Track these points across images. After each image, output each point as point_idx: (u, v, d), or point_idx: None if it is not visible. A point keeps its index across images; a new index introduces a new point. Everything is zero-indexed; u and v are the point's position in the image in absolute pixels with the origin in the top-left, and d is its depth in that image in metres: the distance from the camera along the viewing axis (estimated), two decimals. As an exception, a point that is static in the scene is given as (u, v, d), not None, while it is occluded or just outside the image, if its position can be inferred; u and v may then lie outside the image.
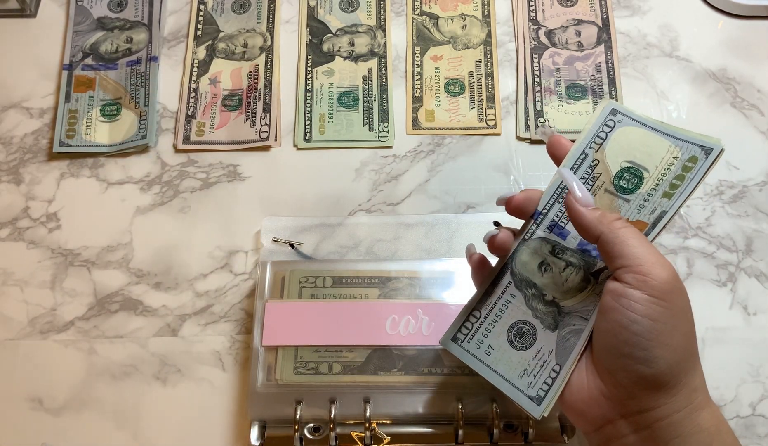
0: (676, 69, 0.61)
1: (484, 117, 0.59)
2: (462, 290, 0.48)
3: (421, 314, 0.47)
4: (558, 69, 0.60)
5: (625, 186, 0.38)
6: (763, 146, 0.58)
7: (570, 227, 0.38)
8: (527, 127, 0.58)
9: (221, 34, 0.62)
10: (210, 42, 0.62)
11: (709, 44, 0.62)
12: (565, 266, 0.38)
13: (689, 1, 0.64)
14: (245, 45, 0.62)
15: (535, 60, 0.61)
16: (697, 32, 0.63)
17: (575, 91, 0.60)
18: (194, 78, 0.61)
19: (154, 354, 0.51)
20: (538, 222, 0.39)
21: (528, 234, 0.39)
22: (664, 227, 0.37)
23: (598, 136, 0.39)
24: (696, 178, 0.36)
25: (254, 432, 0.46)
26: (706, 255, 0.54)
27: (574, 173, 0.39)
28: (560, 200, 0.39)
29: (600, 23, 0.63)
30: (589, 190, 0.38)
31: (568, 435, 0.45)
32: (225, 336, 0.51)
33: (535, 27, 0.62)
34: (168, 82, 0.61)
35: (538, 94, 0.59)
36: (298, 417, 0.45)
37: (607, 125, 0.39)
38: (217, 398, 0.50)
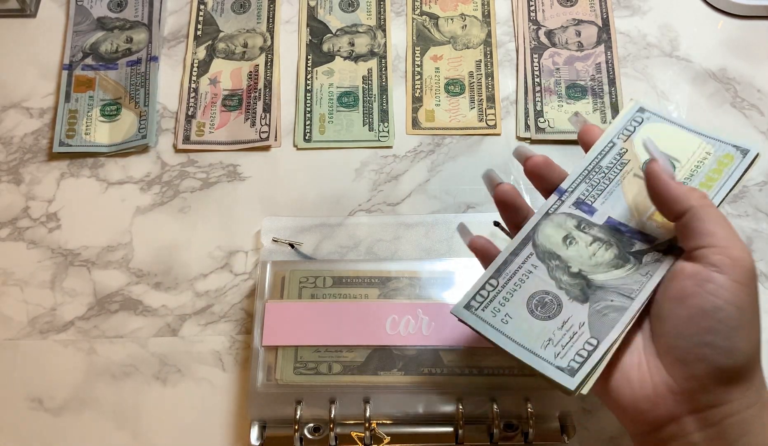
0: (676, 69, 0.61)
1: (484, 117, 0.59)
2: (463, 290, 0.48)
3: (421, 314, 0.47)
4: (558, 69, 0.60)
5: None
6: (763, 146, 0.58)
7: (598, 204, 0.38)
8: (527, 127, 0.58)
9: (221, 34, 0.62)
10: (210, 42, 0.62)
11: (709, 44, 0.62)
12: (592, 241, 0.37)
13: (689, 1, 0.64)
14: (245, 45, 0.62)
15: (535, 60, 0.61)
16: (697, 32, 0.63)
17: (575, 91, 0.60)
18: (194, 78, 0.61)
19: (154, 354, 0.51)
20: (563, 199, 0.39)
21: (552, 209, 0.39)
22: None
23: (626, 129, 0.39)
24: (735, 175, 0.36)
25: (254, 432, 0.46)
26: (706, 255, 0.54)
27: (601, 159, 0.39)
28: (588, 179, 0.39)
29: (600, 23, 0.63)
30: (617, 174, 0.38)
31: (568, 434, 0.45)
32: (225, 335, 0.51)
33: (535, 27, 0.62)
34: (168, 82, 0.61)
35: (538, 94, 0.59)
36: (298, 417, 0.45)
37: (635, 121, 0.39)
38: (217, 398, 0.50)
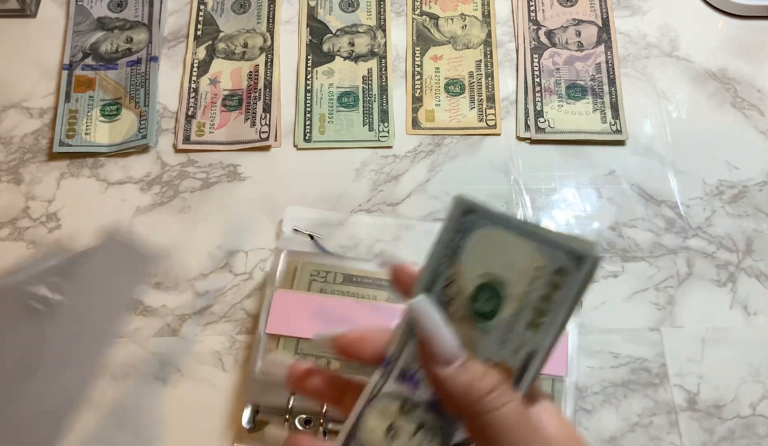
0: (676, 69, 0.61)
1: (484, 117, 0.59)
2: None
3: None
4: (558, 69, 0.60)
5: (484, 310, 0.28)
6: (763, 146, 0.58)
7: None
8: (527, 127, 0.58)
9: (221, 35, 0.62)
10: (210, 42, 0.62)
11: (709, 44, 0.62)
12: (416, 430, 0.29)
13: (689, 1, 0.64)
14: (245, 45, 0.62)
15: (535, 60, 0.61)
16: (697, 32, 0.63)
17: (575, 91, 0.60)
18: (194, 78, 0.61)
19: (154, 354, 0.51)
20: (390, 370, 0.29)
21: (375, 390, 0.30)
22: (536, 373, 0.27)
23: (449, 245, 0.29)
24: (567, 300, 0.26)
25: (246, 415, 0.46)
26: (706, 255, 0.54)
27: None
28: (413, 338, 0.29)
29: (600, 23, 0.63)
30: (444, 320, 0.28)
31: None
32: (225, 335, 0.51)
33: (535, 27, 0.62)
34: (168, 82, 0.61)
35: (538, 94, 0.59)
36: (290, 407, 0.45)
37: (461, 231, 0.29)
38: (217, 398, 0.50)
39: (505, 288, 0.28)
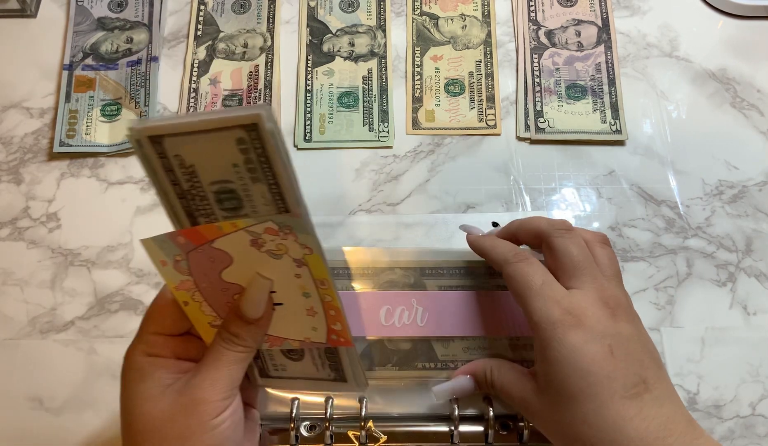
0: (676, 69, 0.61)
1: (484, 117, 0.59)
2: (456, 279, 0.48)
3: (416, 304, 0.47)
4: (558, 69, 0.60)
5: (232, 207, 0.31)
6: (763, 146, 0.58)
7: None
8: (527, 127, 0.58)
9: (221, 35, 0.63)
10: (210, 42, 0.62)
11: (709, 44, 0.62)
12: None
13: (689, 1, 0.64)
14: (245, 45, 0.62)
15: (535, 60, 0.61)
16: (697, 32, 0.63)
17: (575, 91, 0.60)
18: (194, 78, 0.61)
19: (154, 353, 0.51)
20: None
21: None
22: (303, 210, 0.31)
23: (166, 181, 0.31)
24: (272, 164, 0.29)
25: None
26: (706, 255, 0.54)
27: None
28: None
29: (600, 23, 0.63)
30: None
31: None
32: (225, 335, 0.51)
33: (535, 27, 0.62)
34: (168, 83, 0.61)
35: (538, 95, 0.59)
36: (293, 414, 0.45)
37: (163, 157, 0.30)
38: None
39: (229, 183, 0.30)
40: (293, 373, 0.40)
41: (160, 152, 0.29)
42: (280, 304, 0.35)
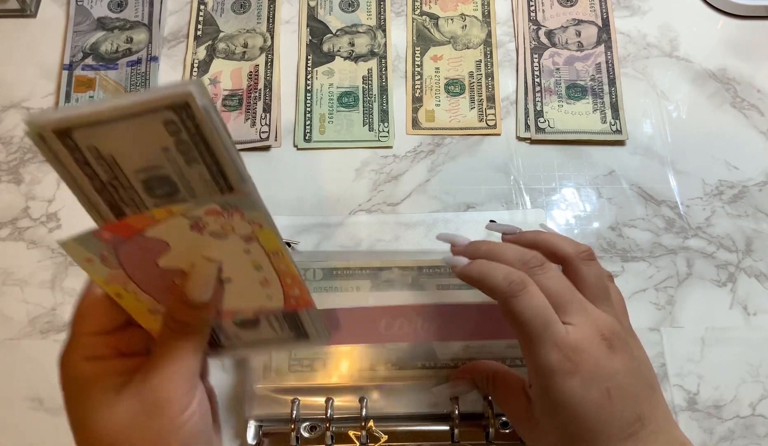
0: (676, 69, 0.61)
1: (484, 117, 0.59)
2: (454, 279, 0.48)
3: (416, 316, 0.47)
4: (558, 69, 0.60)
5: (165, 192, 0.28)
6: (763, 146, 0.58)
7: None
8: (527, 127, 0.58)
9: (221, 35, 0.62)
10: (210, 42, 0.62)
11: (709, 44, 0.62)
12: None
13: (689, 1, 0.64)
14: (245, 45, 0.62)
15: (535, 60, 0.61)
16: (697, 32, 0.63)
17: (575, 91, 0.60)
18: (194, 78, 0.61)
19: (154, 353, 0.51)
20: None
21: None
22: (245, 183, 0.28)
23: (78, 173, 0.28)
24: (209, 144, 0.26)
25: (251, 431, 0.46)
26: (706, 255, 0.54)
27: None
28: None
29: (600, 23, 0.63)
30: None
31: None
32: (225, 335, 0.51)
33: (535, 27, 0.62)
34: (168, 83, 0.61)
35: (538, 94, 0.59)
36: (294, 415, 0.45)
37: (74, 150, 0.27)
38: (220, 403, 0.49)
39: (159, 169, 0.27)
40: (248, 340, 0.37)
41: (69, 145, 0.25)
42: (227, 281, 0.33)
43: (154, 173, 0.27)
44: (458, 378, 0.44)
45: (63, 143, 0.25)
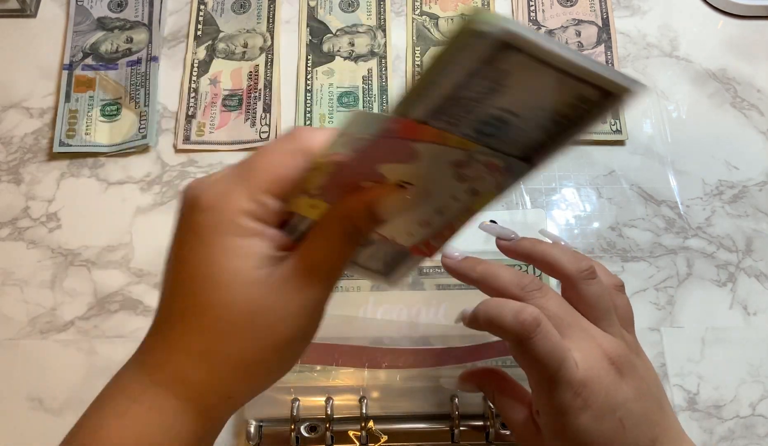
0: (676, 69, 0.61)
1: (484, 117, 0.59)
2: (451, 279, 0.48)
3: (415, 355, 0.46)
4: (558, 69, 0.60)
5: (492, 132, 0.27)
6: (763, 146, 0.58)
7: None
8: (527, 127, 0.58)
9: (221, 35, 0.62)
10: (210, 42, 0.62)
11: (709, 44, 0.62)
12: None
13: (689, 1, 0.64)
14: (245, 45, 0.62)
15: (535, 60, 0.61)
16: (697, 32, 0.63)
17: (575, 91, 0.59)
18: (194, 78, 0.61)
19: (154, 353, 0.51)
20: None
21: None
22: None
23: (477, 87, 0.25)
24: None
25: (251, 431, 0.46)
26: (706, 255, 0.54)
27: None
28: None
29: (600, 23, 0.63)
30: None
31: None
32: (225, 335, 0.51)
33: (535, 27, 0.62)
34: (168, 83, 0.61)
35: (538, 95, 0.59)
36: (294, 415, 0.45)
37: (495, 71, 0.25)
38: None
39: (514, 117, 0.25)
40: None
41: (491, 58, 0.22)
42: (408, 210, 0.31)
43: (506, 117, 0.25)
44: (467, 379, 0.42)
45: (491, 52, 0.22)
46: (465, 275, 0.37)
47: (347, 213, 0.29)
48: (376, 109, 0.59)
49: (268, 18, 0.63)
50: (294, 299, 0.28)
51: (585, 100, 0.24)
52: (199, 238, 0.28)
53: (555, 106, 0.25)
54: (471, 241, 0.44)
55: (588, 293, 0.36)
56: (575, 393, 0.33)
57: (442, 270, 0.48)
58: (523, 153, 0.27)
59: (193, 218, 0.28)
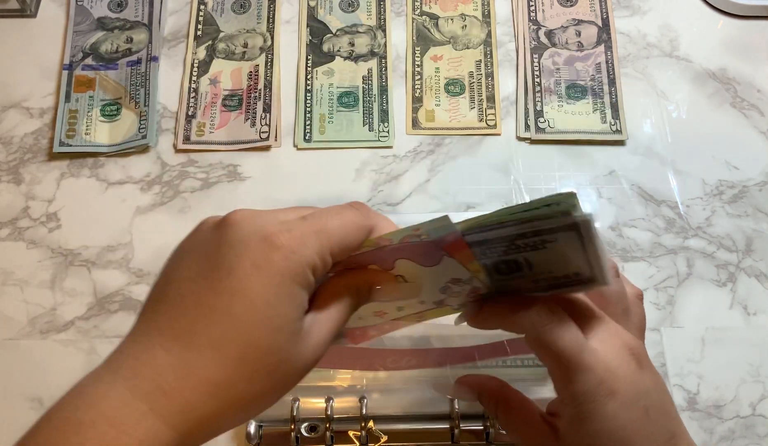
0: (676, 69, 0.61)
1: (484, 117, 0.59)
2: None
3: (425, 356, 0.46)
4: (558, 69, 0.60)
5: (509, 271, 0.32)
6: (763, 146, 0.58)
7: None
8: (527, 127, 0.58)
9: (221, 35, 0.62)
10: (210, 42, 0.62)
11: (709, 44, 0.62)
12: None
13: (689, 1, 0.64)
14: (245, 45, 0.62)
15: (535, 60, 0.61)
16: (697, 32, 0.63)
17: (575, 91, 0.60)
18: (194, 78, 0.61)
19: (154, 353, 0.51)
20: None
21: None
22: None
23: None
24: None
25: (251, 431, 0.46)
26: (706, 255, 0.54)
27: None
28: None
29: (600, 23, 0.63)
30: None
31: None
32: (225, 335, 0.51)
33: (535, 27, 0.62)
34: (168, 83, 0.61)
35: (538, 95, 0.59)
36: (293, 415, 0.45)
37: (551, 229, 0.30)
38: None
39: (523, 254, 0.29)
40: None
41: (557, 229, 0.28)
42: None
43: (522, 267, 0.30)
44: (464, 385, 0.41)
45: (563, 229, 0.28)
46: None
47: (355, 285, 0.31)
48: (376, 110, 0.59)
49: (268, 18, 0.63)
50: (308, 352, 0.29)
51: (578, 276, 0.30)
52: (264, 273, 0.27)
53: (559, 272, 0.30)
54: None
55: (609, 289, 0.35)
56: (600, 379, 0.32)
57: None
58: (504, 291, 0.31)
59: (263, 252, 0.28)
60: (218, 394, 0.27)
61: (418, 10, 0.64)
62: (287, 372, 0.28)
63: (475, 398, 0.41)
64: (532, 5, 0.63)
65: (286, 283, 0.27)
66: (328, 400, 0.45)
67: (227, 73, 0.61)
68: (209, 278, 0.28)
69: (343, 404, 0.46)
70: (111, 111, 0.59)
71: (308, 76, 0.61)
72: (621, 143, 0.58)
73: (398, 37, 0.63)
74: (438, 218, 0.28)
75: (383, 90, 0.60)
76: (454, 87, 0.60)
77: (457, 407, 0.45)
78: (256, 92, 0.60)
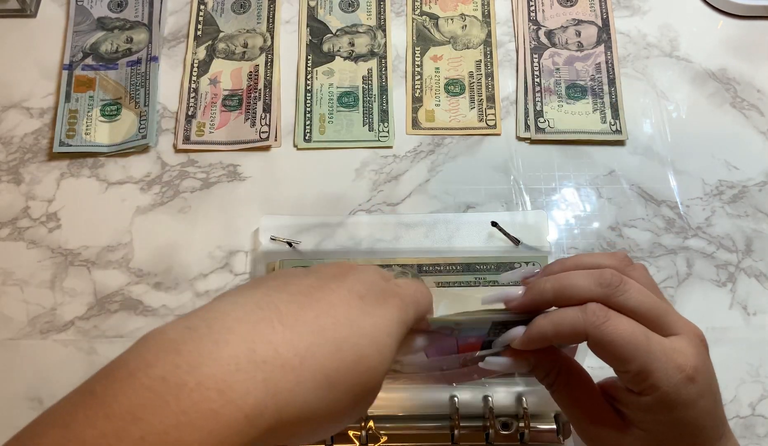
0: (676, 69, 0.61)
1: (484, 117, 0.59)
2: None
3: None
4: (558, 69, 0.60)
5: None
6: (763, 146, 0.58)
7: None
8: (527, 127, 0.58)
9: (221, 35, 0.62)
10: (210, 42, 0.62)
11: (709, 44, 0.62)
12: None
13: (689, 1, 0.64)
14: (245, 45, 0.62)
15: (535, 60, 0.61)
16: (697, 32, 0.63)
17: (575, 91, 0.60)
18: (194, 78, 0.61)
19: (154, 353, 0.51)
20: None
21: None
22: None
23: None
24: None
25: None
26: (706, 255, 0.54)
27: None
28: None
29: (600, 23, 0.63)
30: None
31: (564, 435, 0.45)
32: (225, 335, 0.51)
33: (535, 27, 0.62)
34: (168, 82, 0.61)
35: (538, 95, 0.59)
36: None
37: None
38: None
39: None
40: None
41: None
42: None
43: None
44: (518, 356, 0.36)
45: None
46: (539, 302, 0.34)
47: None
48: (375, 110, 0.59)
49: (268, 18, 0.63)
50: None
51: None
52: (388, 316, 0.30)
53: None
54: (474, 238, 0.44)
55: (627, 304, 0.33)
56: (678, 366, 0.32)
57: (441, 268, 0.48)
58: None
59: (383, 290, 0.31)
60: (323, 385, 0.26)
61: (418, 10, 0.64)
62: (368, 403, 0.32)
63: (530, 368, 0.37)
64: (532, 5, 0.63)
65: (401, 327, 0.30)
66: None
67: (227, 73, 0.61)
68: (332, 285, 0.29)
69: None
70: (111, 111, 0.59)
71: (308, 76, 0.61)
72: (621, 143, 0.58)
73: (398, 37, 0.63)
74: (483, 314, 0.35)
75: (383, 90, 0.60)
76: (454, 87, 0.60)
77: (457, 407, 0.45)
78: (256, 92, 0.60)
